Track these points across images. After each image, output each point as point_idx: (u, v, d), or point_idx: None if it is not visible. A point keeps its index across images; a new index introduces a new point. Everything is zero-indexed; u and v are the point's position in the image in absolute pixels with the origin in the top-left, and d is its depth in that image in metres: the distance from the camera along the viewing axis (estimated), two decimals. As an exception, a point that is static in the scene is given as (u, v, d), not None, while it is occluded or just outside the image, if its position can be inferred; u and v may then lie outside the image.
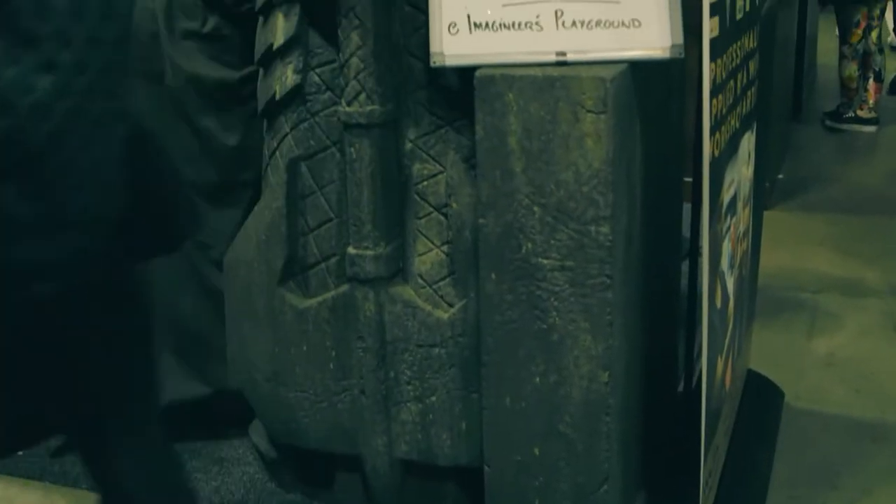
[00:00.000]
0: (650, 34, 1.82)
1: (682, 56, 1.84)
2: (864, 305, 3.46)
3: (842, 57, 6.01)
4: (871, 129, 6.00)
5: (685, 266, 2.48)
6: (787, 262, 3.78)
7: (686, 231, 2.40)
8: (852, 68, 5.98)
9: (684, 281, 2.48)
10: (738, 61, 2.06)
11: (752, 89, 2.28)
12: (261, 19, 2.10)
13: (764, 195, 2.88)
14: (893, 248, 4.02)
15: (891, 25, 6.33)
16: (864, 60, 5.99)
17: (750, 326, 2.73)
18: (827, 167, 5.31)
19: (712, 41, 1.76)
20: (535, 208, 1.83)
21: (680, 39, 1.83)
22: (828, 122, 6.15)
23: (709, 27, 1.74)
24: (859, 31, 5.90)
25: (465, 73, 1.86)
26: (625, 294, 1.90)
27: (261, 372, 2.23)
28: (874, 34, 5.97)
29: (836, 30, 6.06)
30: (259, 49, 2.09)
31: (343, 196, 2.05)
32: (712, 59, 1.78)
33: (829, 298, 3.52)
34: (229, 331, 2.31)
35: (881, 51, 6.02)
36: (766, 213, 2.93)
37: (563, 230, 1.83)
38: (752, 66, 2.26)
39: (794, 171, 5.16)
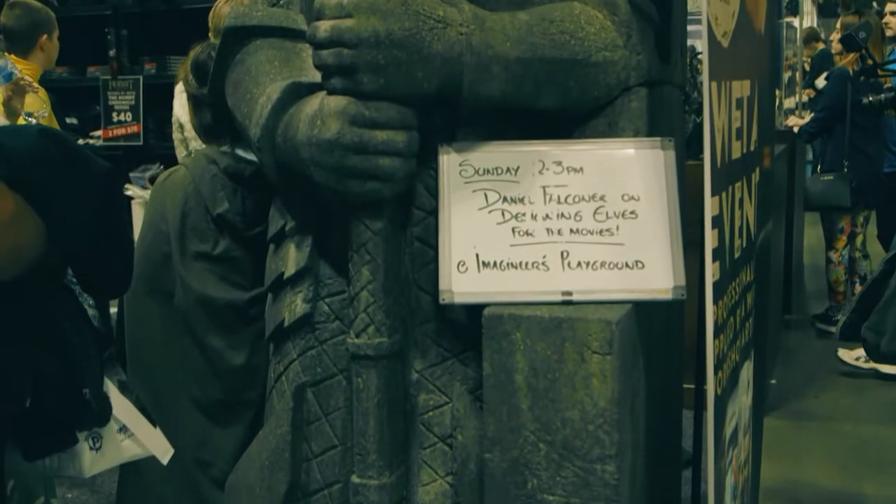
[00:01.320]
0: (653, 276, 1.87)
1: (685, 297, 1.89)
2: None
3: (828, 262, 6.15)
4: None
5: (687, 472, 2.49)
6: (784, 475, 3.76)
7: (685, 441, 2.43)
8: (839, 273, 6.11)
9: (686, 487, 2.48)
10: (737, 297, 2.11)
11: (751, 320, 2.34)
12: (272, 247, 2.16)
13: (762, 423, 2.90)
14: (891, 458, 4.01)
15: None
16: (851, 266, 6.12)
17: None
18: (819, 372, 5.35)
19: (714, 285, 1.82)
20: (542, 445, 1.84)
21: (682, 281, 1.88)
22: (818, 325, 6.23)
23: (711, 272, 1.81)
24: (844, 238, 6.06)
25: (473, 308, 1.91)
26: (630, 532, 1.88)
27: None
28: (859, 240, 6.13)
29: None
30: (269, 276, 2.14)
31: (348, 423, 2.06)
32: (714, 301, 1.83)
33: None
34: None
35: (866, 256, 6.16)
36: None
37: (569, 467, 1.83)
38: (750, 297, 2.32)
39: (787, 376, 5.20)
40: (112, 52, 6.59)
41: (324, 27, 1.84)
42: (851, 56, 5.78)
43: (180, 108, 4.48)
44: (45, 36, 4.35)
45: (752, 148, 2.27)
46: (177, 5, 6.27)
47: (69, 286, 1.97)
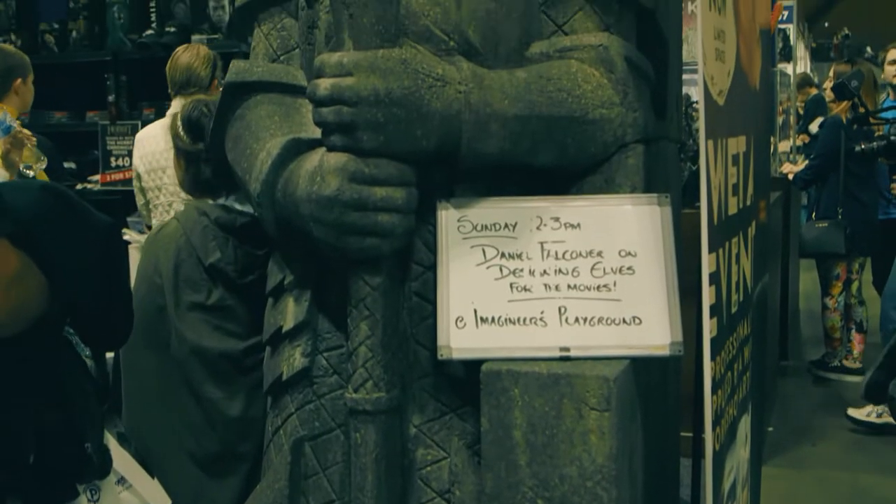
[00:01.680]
0: (651, 332, 1.88)
1: (682, 353, 1.90)
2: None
3: (824, 308, 6.16)
4: (857, 379, 6.06)
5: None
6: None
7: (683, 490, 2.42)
8: (835, 319, 6.12)
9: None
10: (734, 352, 2.12)
11: (748, 374, 2.34)
12: (270, 300, 2.16)
13: (760, 475, 2.90)
14: (888, 509, 4.00)
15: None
16: (847, 312, 6.13)
17: None
18: (816, 419, 5.33)
19: (712, 341, 1.83)
20: (540, 501, 1.84)
21: (679, 337, 1.89)
22: (815, 372, 6.23)
23: (708, 328, 1.82)
24: (840, 284, 6.08)
25: (471, 363, 1.91)
26: (629, 589, 1.88)
27: None
28: (854, 287, 6.15)
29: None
30: (268, 329, 2.14)
31: (346, 478, 2.05)
32: (712, 357, 1.84)
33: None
34: None
35: (862, 303, 6.17)
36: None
37: (568, 524, 1.83)
38: (747, 351, 2.32)
39: (784, 423, 5.19)
40: (111, 98, 6.63)
41: (324, 85, 1.86)
42: (844, 104, 5.83)
43: (139, 159, 4.55)
44: (19, 80, 4.38)
45: (748, 202, 2.29)
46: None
47: (68, 338, 1.98)
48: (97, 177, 6.57)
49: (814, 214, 6.16)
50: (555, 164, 1.98)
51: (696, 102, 1.91)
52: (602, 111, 1.96)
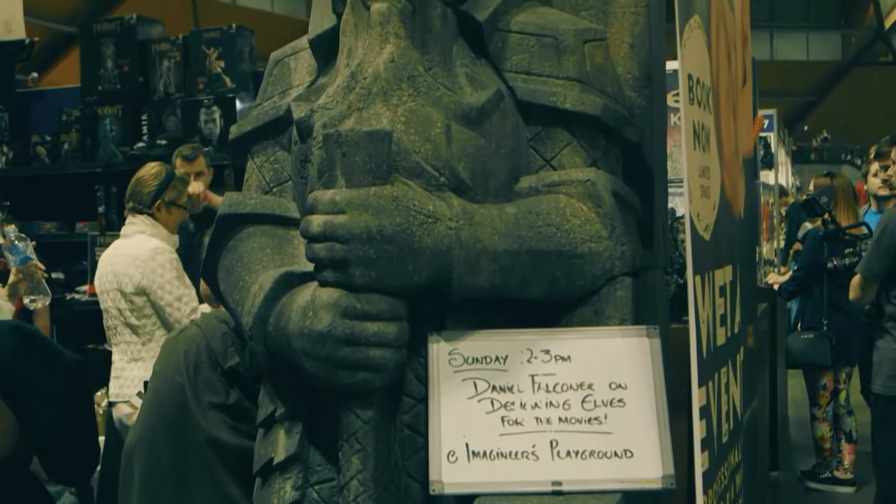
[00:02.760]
0: (642, 465, 1.88)
1: (674, 486, 1.89)
2: None
3: (813, 418, 6.16)
4: (848, 489, 6.03)
5: None
6: None
7: None
8: (824, 429, 6.11)
9: None
10: (726, 482, 2.12)
11: (740, 500, 2.33)
12: (261, 431, 2.16)
13: None
14: None
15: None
16: (836, 422, 6.12)
17: None
18: (809, 533, 5.28)
19: (704, 474, 1.83)
20: None
21: (671, 470, 1.89)
22: (806, 483, 6.19)
23: (700, 462, 1.82)
24: (827, 395, 6.08)
25: (463, 498, 1.90)
26: None
27: None
28: (842, 396, 6.14)
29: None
30: (258, 461, 2.13)
31: None
32: (704, 490, 1.84)
33: None
34: None
35: (850, 413, 6.16)
36: None
37: None
38: (738, 478, 2.32)
39: (777, 537, 5.13)
40: (101, 209, 6.67)
41: (317, 222, 1.89)
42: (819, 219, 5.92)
43: (96, 278, 4.49)
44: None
45: (736, 330, 2.31)
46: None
47: (35, 475, 1.97)
48: (86, 287, 6.57)
49: (799, 325, 6.19)
50: (545, 297, 2.00)
51: (682, 217, 1.94)
52: (590, 245, 1.99)
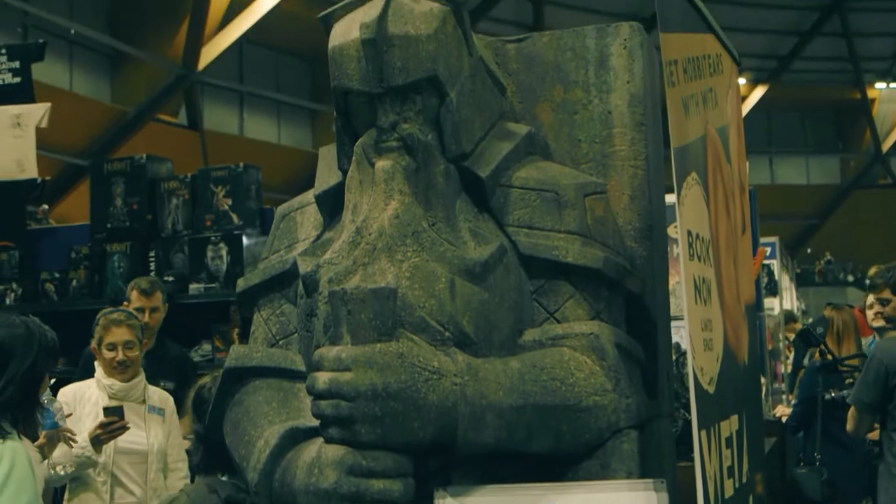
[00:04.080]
0: None
1: None
2: None
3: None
4: None
5: None
6: None
7: None
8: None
9: None
10: None
11: None
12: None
13: None
14: None
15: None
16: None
17: None
18: None
19: None
20: None
21: None
22: None
23: None
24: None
25: None
26: None
27: None
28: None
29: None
30: None
31: None
32: None
33: None
34: None
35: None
36: None
37: None
38: None
39: None
40: (108, 345, 6.68)
41: (322, 379, 1.90)
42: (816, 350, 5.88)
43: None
44: None
45: (744, 480, 2.29)
46: (173, 301, 6.43)
47: None
48: (91, 424, 6.54)
49: (801, 460, 6.08)
50: (550, 450, 2.00)
51: (686, 353, 1.96)
52: (595, 398, 2.00)
